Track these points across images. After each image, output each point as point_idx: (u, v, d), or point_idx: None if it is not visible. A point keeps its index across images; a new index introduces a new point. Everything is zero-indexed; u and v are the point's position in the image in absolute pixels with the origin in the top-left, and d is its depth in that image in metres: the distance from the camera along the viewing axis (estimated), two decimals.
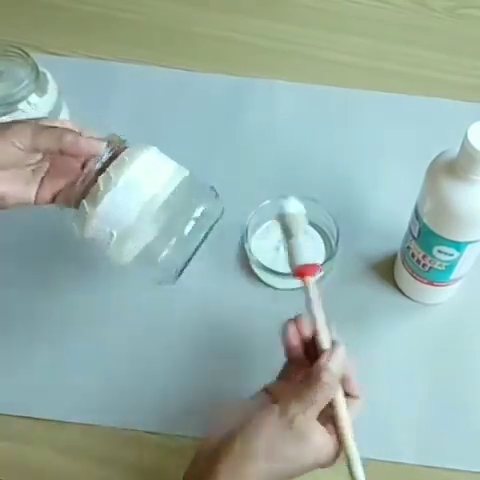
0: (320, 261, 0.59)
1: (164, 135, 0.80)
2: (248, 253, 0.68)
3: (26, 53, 0.71)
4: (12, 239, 0.73)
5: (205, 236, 0.61)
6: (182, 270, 0.61)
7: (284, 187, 0.73)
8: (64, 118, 0.75)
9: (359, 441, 0.62)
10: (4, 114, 0.69)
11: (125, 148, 0.58)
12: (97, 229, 0.55)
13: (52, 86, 0.73)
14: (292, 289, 0.69)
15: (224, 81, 0.85)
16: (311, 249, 0.57)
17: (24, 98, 0.69)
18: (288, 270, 0.67)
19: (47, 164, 0.57)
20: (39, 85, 0.71)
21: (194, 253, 0.61)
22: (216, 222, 0.62)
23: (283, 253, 0.70)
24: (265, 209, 0.70)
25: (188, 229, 0.58)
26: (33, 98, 0.70)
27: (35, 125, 0.54)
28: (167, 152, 0.77)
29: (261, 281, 0.70)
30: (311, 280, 0.54)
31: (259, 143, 0.80)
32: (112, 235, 0.55)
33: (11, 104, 0.69)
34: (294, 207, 0.58)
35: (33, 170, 0.56)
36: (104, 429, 0.64)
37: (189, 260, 0.61)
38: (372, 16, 0.92)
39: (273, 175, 0.77)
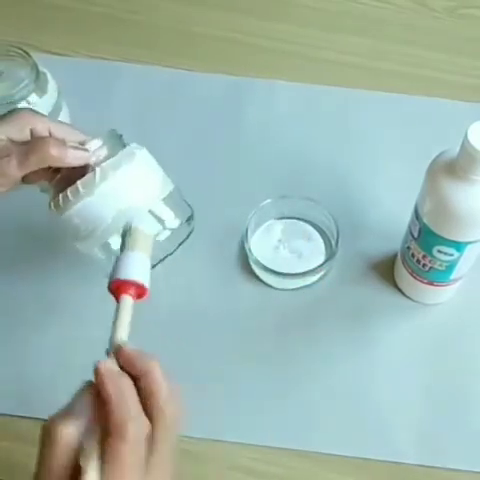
0: (146, 283, 0.50)
1: (164, 135, 0.80)
2: (248, 253, 0.68)
3: (26, 53, 0.71)
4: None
5: (172, 252, 0.61)
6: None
7: (284, 187, 0.74)
8: (64, 118, 0.75)
9: (358, 441, 0.62)
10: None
11: (124, 147, 0.58)
12: (73, 222, 0.55)
13: (52, 86, 0.73)
14: (292, 289, 0.70)
15: (224, 81, 0.85)
16: (144, 270, 0.51)
17: (24, 98, 0.69)
18: (288, 270, 0.67)
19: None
20: (39, 85, 0.70)
21: (159, 262, 0.61)
22: (184, 241, 0.62)
23: (282, 253, 0.70)
24: (265, 209, 0.71)
25: (163, 237, 0.58)
26: (33, 98, 0.70)
27: (18, 156, 0.53)
28: (167, 152, 0.77)
29: (261, 281, 0.70)
30: (125, 298, 0.48)
31: (259, 143, 0.80)
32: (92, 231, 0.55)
33: (11, 104, 0.68)
34: (143, 225, 0.54)
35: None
36: None
37: (154, 266, 0.59)
38: (372, 16, 0.92)
39: (273, 175, 0.77)
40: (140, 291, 0.50)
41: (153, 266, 0.59)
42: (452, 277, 0.63)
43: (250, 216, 0.69)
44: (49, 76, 0.73)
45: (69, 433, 0.39)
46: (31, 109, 0.57)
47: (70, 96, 0.76)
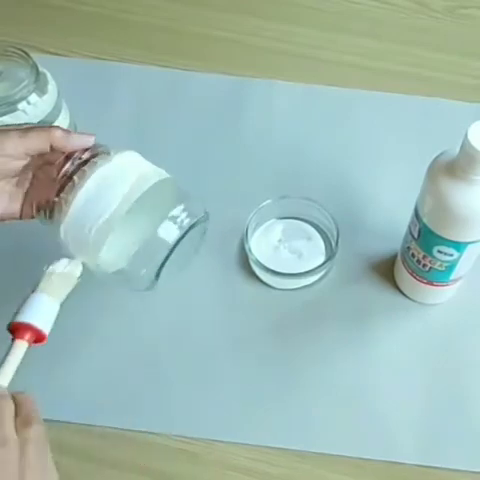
0: (46, 330, 0.50)
1: (163, 135, 0.81)
2: (248, 253, 0.68)
3: (26, 53, 0.71)
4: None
5: (182, 237, 0.57)
6: (159, 273, 0.57)
7: (284, 187, 0.74)
8: (64, 118, 0.75)
9: (358, 441, 0.62)
10: (4, 114, 0.68)
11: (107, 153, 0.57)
12: (69, 230, 0.54)
13: (52, 86, 0.73)
14: (292, 289, 0.69)
15: (224, 81, 0.85)
16: (47, 315, 0.50)
17: (24, 98, 0.69)
18: (288, 270, 0.67)
19: (30, 176, 0.56)
20: (39, 85, 0.70)
21: (169, 255, 0.57)
22: (198, 223, 0.58)
23: (282, 253, 0.70)
24: (265, 209, 0.71)
25: (162, 229, 0.55)
26: (33, 98, 0.70)
27: (19, 129, 0.53)
28: (166, 152, 0.78)
29: (261, 281, 0.70)
30: (19, 343, 0.48)
31: (259, 143, 0.80)
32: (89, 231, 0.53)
33: (11, 104, 0.68)
34: (62, 268, 0.53)
35: (16, 184, 0.56)
36: (104, 429, 0.63)
37: (165, 261, 0.57)
38: (372, 16, 0.92)
39: (273, 175, 0.77)
40: (38, 336, 0.50)
41: (175, 245, 0.56)
42: (452, 277, 0.63)
43: (250, 216, 0.69)
44: (49, 76, 0.73)
45: None
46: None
47: (70, 96, 0.76)
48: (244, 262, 0.71)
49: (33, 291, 0.51)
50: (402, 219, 0.64)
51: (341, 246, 0.68)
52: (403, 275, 0.67)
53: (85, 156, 0.56)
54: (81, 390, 0.65)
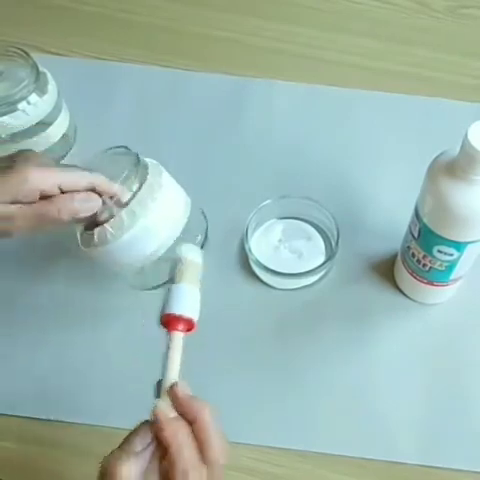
0: (196, 318, 0.51)
1: (163, 135, 0.81)
2: (248, 253, 0.68)
3: (26, 53, 0.71)
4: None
5: None
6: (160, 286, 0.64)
7: (284, 187, 0.74)
8: (64, 118, 0.75)
9: (359, 441, 0.62)
10: (4, 114, 0.69)
11: (146, 169, 0.59)
12: (106, 259, 0.58)
13: (52, 86, 0.73)
14: (292, 289, 0.69)
15: (224, 81, 0.85)
16: (195, 303, 0.52)
17: (24, 98, 0.69)
18: (288, 270, 0.67)
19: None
20: (39, 85, 0.71)
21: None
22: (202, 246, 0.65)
23: (283, 253, 0.70)
24: (265, 209, 0.71)
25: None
26: (33, 98, 0.70)
27: (24, 220, 0.53)
28: (167, 152, 0.78)
29: (261, 281, 0.70)
30: (176, 335, 0.49)
31: (259, 143, 0.80)
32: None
33: (11, 104, 0.69)
34: (192, 254, 0.54)
35: None
36: (104, 429, 0.63)
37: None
38: (372, 16, 0.92)
39: (273, 175, 0.77)
40: (189, 325, 0.50)
41: (165, 283, 0.62)
42: (452, 277, 0.63)
43: (250, 216, 0.69)
44: (49, 76, 0.73)
45: (131, 473, 0.41)
46: (36, 158, 0.56)
47: (70, 96, 0.77)
48: (244, 262, 0.71)
49: (172, 282, 0.52)
50: (402, 219, 0.64)
51: (341, 246, 0.68)
52: (403, 275, 0.67)
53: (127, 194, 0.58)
54: (80, 390, 0.65)
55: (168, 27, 0.90)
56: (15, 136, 0.70)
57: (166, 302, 0.50)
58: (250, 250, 0.68)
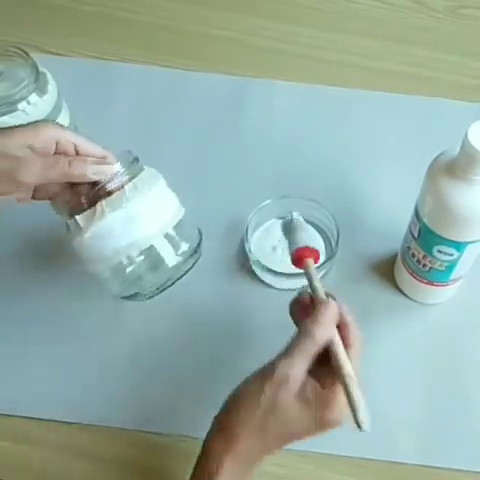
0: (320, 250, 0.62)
1: (163, 135, 0.81)
2: (248, 253, 0.68)
3: (26, 53, 0.71)
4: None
5: (180, 277, 0.63)
6: (152, 296, 0.63)
7: (284, 187, 0.74)
8: (64, 118, 0.75)
9: (359, 441, 0.62)
10: (4, 114, 0.69)
11: (141, 170, 0.59)
12: (89, 244, 0.57)
13: (52, 86, 0.73)
14: (292, 289, 0.69)
15: (224, 81, 0.85)
16: (312, 242, 0.60)
17: (24, 98, 0.69)
18: (288, 270, 0.67)
19: None
20: (39, 85, 0.70)
21: (168, 286, 0.63)
22: (193, 265, 0.63)
23: (282, 253, 0.70)
24: (265, 209, 0.71)
25: (172, 263, 0.60)
26: (33, 98, 0.70)
27: (41, 164, 0.54)
28: (167, 152, 0.78)
29: (261, 281, 0.70)
30: (309, 262, 0.57)
31: (259, 143, 0.80)
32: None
33: (11, 104, 0.68)
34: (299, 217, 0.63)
35: None
36: (104, 429, 0.63)
37: (160, 291, 0.63)
38: (372, 16, 0.92)
39: (273, 175, 0.77)
40: (316, 256, 0.58)
41: (161, 290, 0.62)
42: (452, 277, 0.63)
43: (250, 216, 0.69)
44: (49, 76, 0.73)
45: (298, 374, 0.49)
46: (57, 122, 0.59)
47: (70, 96, 0.76)
48: (244, 262, 0.71)
49: (292, 232, 0.61)
50: (402, 219, 0.64)
51: (341, 246, 0.68)
52: (403, 275, 0.67)
53: (125, 177, 0.58)
54: (82, 390, 0.65)
55: (168, 26, 0.90)
56: None
57: (294, 240, 0.60)
58: (250, 250, 0.68)
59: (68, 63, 0.86)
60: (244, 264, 0.71)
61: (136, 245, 0.57)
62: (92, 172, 0.56)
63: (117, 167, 0.57)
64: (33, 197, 0.58)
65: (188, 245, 0.61)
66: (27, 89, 0.69)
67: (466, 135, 0.50)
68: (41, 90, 0.71)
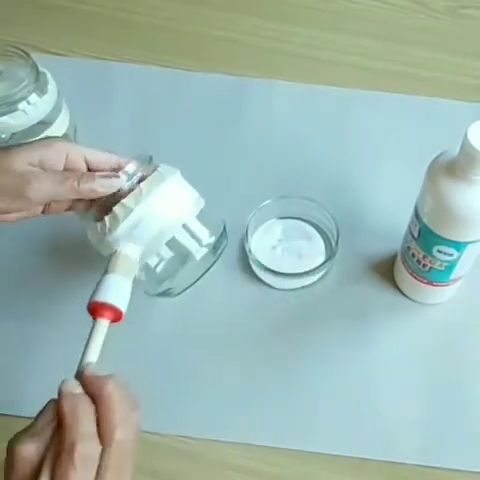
0: (123, 308, 0.51)
1: (163, 135, 0.81)
2: (248, 253, 0.68)
3: (26, 53, 0.71)
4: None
5: (210, 267, 0.64)
6: (181, 292, 0.65)
7: (284, 187, 0.74)
8: (64, 118, 0.75)
9: (359, 441, 0.62)
10: (4, 114, 0.69)
11: (154, 169, 0.59)
12: (113, 245, 0.57)
13: (52, 86, 0.73)
14: (292, 289, 0.69)
15: (224, 81, 0.85)
16: (123, 294, 0.52)
17: (24, 98, 0.69)
18: (288, 270, 0.67)
19: None
20: (39, 85, 0.70)
21: (197, 280, 0.64)
22: (220, 254, 0.64)
23: (282, 253, 0.70)
24: (265, 209, 0.71)
25: (199, 255, 0.60)
26: (33, 98, 0.70)
27: (51, 181, 0.54)
28: (166, 152, 0.77)
29: (261, 281, 0.70)
30: (100, 322, 0.50)
31: (259, 143, 0.80)
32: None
33: (11, 104, 0.68)
34: (130, 250, 0.56)
35: None
36: None
37: (191, 285, 0.64)
38: (372, 16, 0.92)
39: (273, 175, 0.77)
40: (116, 315, 0.51)
41: (192, 283, 0.64)
42: (452, 277, 0.63)
43: (250, 216, 0.69)
44: (49, 76, 0.73)
45: (28, 450, 0.40)
46: (67, 138, 0.59)
47: (70, 96, 0.76)
48: (244, 262, 0.71)
49: (105, 272, 0.53)
50: (402, 219, 0.64)
51: (341, 246, 0.68)
52: (403, 275, 0.67)
53: (139, 175, 0.58)
54: None
55: (168, 27, 0.90)
56: (15, 136, 0.70)
57: (95, 290, 0.51)
58: (250, 250, 0.68)
59: (68, 63, 0.86)
60: (244, 264, 0.71)
61: (159, 238, 0.57)
62: (101, 186, 0.55)
63: (132, 168, 0.57)
64: (45, 211, 0.58)
65: (213, 236, 0.61)
66: (27, 89, 0.69)
67: (466, 135, 0.50)
68: (41, 90, 0.71)
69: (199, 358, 0.67)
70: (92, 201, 0.58)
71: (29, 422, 0.62)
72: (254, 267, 0.70)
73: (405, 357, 0.66)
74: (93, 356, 0.47)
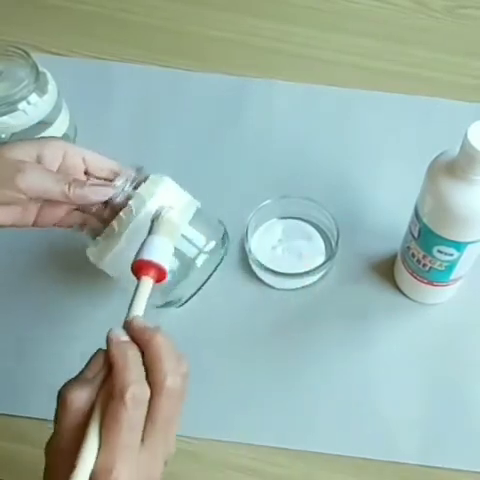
0: (167, 267, 0.51)
1: (163, 135, 0.81)
2: (248, 253, 0.68)
3: (26, 53, 0.71)
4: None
5: (213, 271, 0.63)
6: (187, 300, 0.64)
7: (284, 187, 0.74)
8: (64, 118, 0.75)
9: (359, 441, 0.62)
10: (4, 114, 0.69)
11: (145, 178, 0.58)
12: (114, 261, 0.57)
13: (52, 86, 0.73)
14: (292, 289, 0.69)
15: (223, 81, 0.85)
16: (166, 254, 0.52)
17: (24, 98, 0.69)
18: (288, 270, 0.67)
19: None
20: (39, 85, 0.71)
21: (202, 286, 0.64)
22: (222, 260, 0.63)
23: (282, 253, 0.70)
24: (265, 209, 0.71)
25: (201, 262, 0.60)
26: (33, 98, 0.70)
27: (44, 175, 0.54)
28: (166, 152, 0.78)
29: (261, 281, 0.70)
30: (145, 279, 0.49)
31: (259, 143, 0.80)
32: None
33: (11, 104, 0.69)
34: (173, 215, 0.56)
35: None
36: None
37: (196, 292, 0.64)
38: (372, 16, 0.92)
39: (273, 175, 0.77)
40: (160, 274, 0.50)
41: (197, 290, 0.63)
42: (452, 277, 0.63)
43: (250, 216, 0.69)
44: (49, 76, 0.73)
45: (80, 397, 0.42)
46: (66, 139, 0.59)
47: (70, 96, 0.76)
48: (244, 262, 0.71)
49: (150, 233, 0.53)
50: (402, 219, 0.64)
51: (341, 246, 0.68)
52: (403, 275, 0.67)
53: (128, 186, 0.57)
54: None
55: (167, 27, 0.90)
56: (15, 136, 0.70)
57: (139, 250, 0.51)
58: (250, 250, 0.68)
59: (68, 63, 0.86)
60: (244, 264, 0.71)
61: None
62: (92, 193, 0.55)
63: (122, 182, 0.57)
64: (36, 223, 0.57)
65: (213, 241, 0.61)
66: (27, 89, 0.69)
67: (466, 135, 0.50)
68: (41, 90, 0.71)
69: (199, 358, 0.67)
70: (83, 215, 0.58)
71: (29, 422, 0.63)
72: (254, 267, 0.70)
73: (405, 357, 0.66)
74: (139, 311, 0.47)
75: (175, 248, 0.56)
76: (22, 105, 0.69)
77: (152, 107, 0.83)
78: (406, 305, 0.69)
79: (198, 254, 0.60)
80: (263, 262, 0.68)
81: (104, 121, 0.81)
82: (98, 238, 0.57)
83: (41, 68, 0.72)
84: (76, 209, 0.58)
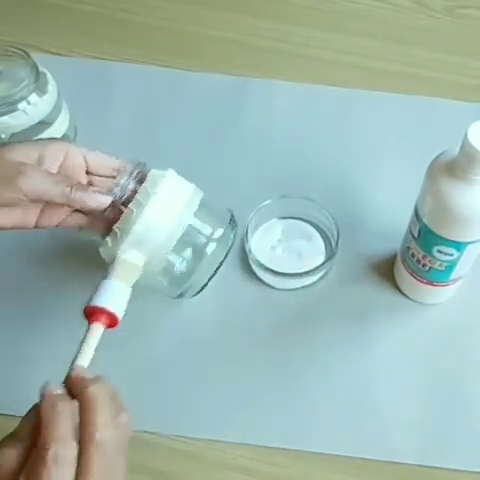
0: (119, 314, 0.51)
1: (163, 135, 0.81)
2: (248, 253, 0.68)
3: (26, 53, 0.71)
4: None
5: (225, 257, 0.63)
6: (202, 289, 0.64)
7: (284, 187, 0.74)
8: (64, 118, 0.75)
9: (359, 441, 0.62)
10: (4, 114, 0.69)
11: (147, 173, 0.58)
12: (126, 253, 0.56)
13: (52, 86, 0.73)
14: (292, 289, 0.69)
15: (223, 81, 0.85)
16: (121, 300, 0.52)
17: (24, 98, 0.69)
18: (288, 270, 0.67)
19: None
20: (39, 85, 0.71)
21: (214, 274, 0.63)
22: (232, 245, 0.63)
23: (282, 253, 0.70)
24: (265, 209, 0.71)
25: (211, 249, 0.60)
26: (33, 98, 0.70)
27: (44, 177, 0.53)
28: (166, 152, 0.78)
29: (261, 281, 0.70)
30: (95, 326, 0.49)
31: (259, 143, 0.80)
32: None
33: (11, 104, 0.69)
34: (131, 256, 0.55)
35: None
36: None
37: (209, 281, 0.63)
38: (372, 16, 0.92)
39: (273, 175, 0.77)
40: (112, 321, 0.50)
41: (209, 279, 0.63)
42: (452, 277, 0.63)
43: (250, 216, 0.69)
44: (49, 76, 0.73)
45: (10, 456, 0.40)
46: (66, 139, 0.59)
47: (70, 96, 0.77)
48: (244, 262, 0.71)
49: (104, 278, 0.52)
50: (402, 219, 0.64)
51: (341, 246, 0.68)
52: (403, 275, 0.67)
53: (132, 184, 0.57)
54: None
55: (167, 27, 0.90)
56: (15, 136, 0.70)
57: (93, 294, 0.51)
58: (250, 250, 0.68)
59: (68, 63, 0.86)
60: (244, 264, 0.71)
61: (167, 243, 0.57)
62: (92, 199, 0.55)
63: (125, 180, 0.57)
64: (38, 225, 0.57)
65: (220, 228, 0.61)
66: (27, 89, 0.69)
67: (466, 135, 0.50)
68: (41, 90, 0.71)
69: (199, 358, 0.67)
70: (85, 216, 0.58)
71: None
72: (254, 267, 0.70)
73: (405, 357, 0.66)
74: (84, 360, 0.47)
75: (185, 240, 0.57)
76: (22, 105, 0.69)
77: (152, 107, 0.83)
78: (406, 305, 0.69)
79: (207, 243, 0.60)
80: (263, 262, 0.68)
81: (104, 121, 0.81)
82: (107, 238, 0.57)
83: (41, 68, 0.72)
84: (78, 210, 0.58)
